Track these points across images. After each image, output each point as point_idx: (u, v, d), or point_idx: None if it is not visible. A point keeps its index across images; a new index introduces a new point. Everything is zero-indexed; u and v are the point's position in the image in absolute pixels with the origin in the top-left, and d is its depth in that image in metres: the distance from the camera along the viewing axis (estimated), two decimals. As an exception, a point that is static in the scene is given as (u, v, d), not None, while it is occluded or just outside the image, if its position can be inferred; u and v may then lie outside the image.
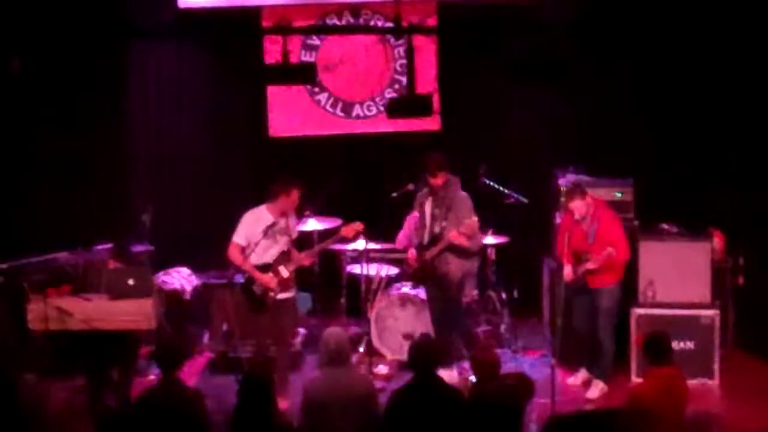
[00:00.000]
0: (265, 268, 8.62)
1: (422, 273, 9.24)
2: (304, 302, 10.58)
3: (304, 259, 8.81)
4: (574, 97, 11.00)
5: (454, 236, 8.88)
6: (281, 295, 8.67)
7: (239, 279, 8.94)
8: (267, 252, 8.61)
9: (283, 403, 8.27)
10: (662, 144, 10.86)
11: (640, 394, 7.08)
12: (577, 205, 8.86)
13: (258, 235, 8.53)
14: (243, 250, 8.58)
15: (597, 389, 8.99)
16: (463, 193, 9.15)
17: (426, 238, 9.15)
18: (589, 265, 8.78)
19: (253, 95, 11.23)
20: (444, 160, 9.03)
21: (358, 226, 8.94)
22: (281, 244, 8.65)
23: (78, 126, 10.91)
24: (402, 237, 9.78)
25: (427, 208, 9.17)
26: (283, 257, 8.66)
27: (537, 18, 10.75)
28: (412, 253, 9.30)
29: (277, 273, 8.62)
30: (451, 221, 8.96)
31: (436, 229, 9.06)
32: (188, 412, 6.70)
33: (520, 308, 10.39)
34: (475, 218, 8.92)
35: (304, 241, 9.77)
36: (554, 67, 10.40)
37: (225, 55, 11.24)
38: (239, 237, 8.61)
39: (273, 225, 8.55)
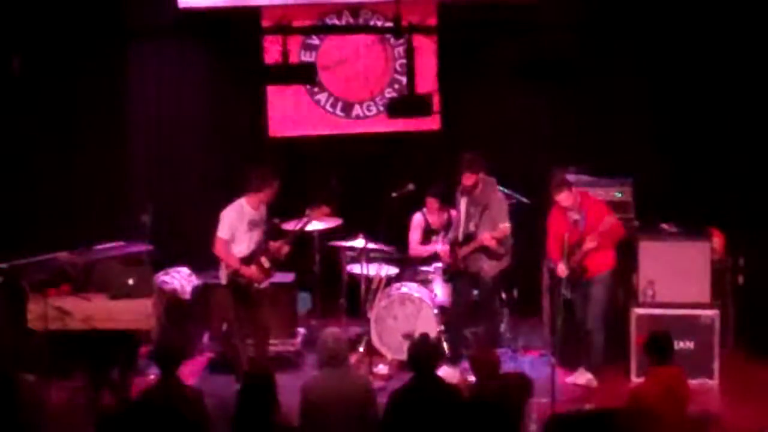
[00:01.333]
0: (245, 260, 8.74)
1: (455, 268, 9.37)
2: (304, 302, 10.59)
3: (281, 248, 8.89)
4: (574, 97, 10.99)
5: (486, 239, 9.00)
6: (261, 286, 8.86)
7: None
8: (247, 244, 8.74)
9: None
10: (662, 144, 10.85)
11: (642, 394, 7.07)
12: (564, 197, 8.95)
13: (242, 228, 8.68)
14: (227, 244, 8.71)
15: (583, 377, 9.05)
16: (500, 195, 9.29)
17: (461, 236, 9.27)
18: (589, 244, 8.82)
19: (253, 95, 11.22)
20: (474, 161, 9.11)
21: (324, 210, 9.18)
22: (258, 235, 8.79)
23: (78, 126, 10.91)
24: (414, 244, 9.85)
25: (463, 206, 9.27)
26: (262, 248, 8.80)
27: (537, 18, 10.74)
28: (445, 249, 9.43)
29: (259, 264, 8.76)
30: (485, 221, 9.08)
31: (471, 228, 9.18)
32: (188, 411, 6.69)
33: (521, 307, 10.39)
34: (508, 224, 9.00)
35: (304, 241, 9.79)
36: (554, 67, 10.39)
37: (225, 55, 11.24)
38: (223, 232, 8.70)
39: (254, 217, 8.72)
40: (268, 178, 8.76)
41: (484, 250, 9.13)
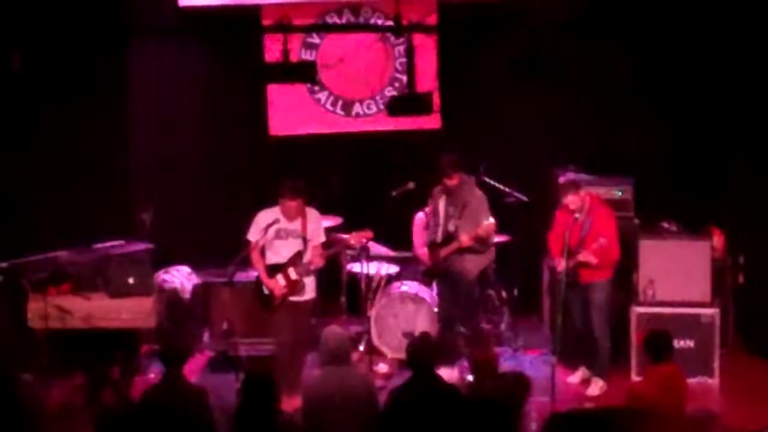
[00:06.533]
0: (276, 268, 8.58)
1: (436, 270, 9.37)
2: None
3: (311, 262, 8.63)
4: (574, 96, 10.99)
5: (465, 241, 9.00)
6: (295, 298, 8.60)
7: (240, 278, 8.95)
8: (279, 252, 8.58)
9: (295, 402, 8.24)
10: (662, 143, 10.85)
11: (640, 392, 7.09)
12: (571, 200, 8.89)
13: (270, 235, 8.51)
14: (255, 247, 8.55)
15: (597, 387, 9.00)
16: (480, 193, 9.28)
17: (440, 236, 9.24)
18: (581, 257, 8.74)
19: (253, 94, 11.22)
20: (458, 161, 9.16)
21: (367, 233, 8.96)
22: (293, 245, 8.57)
23: (78, 124, 10.91)
24: (418, 243, 9.83)
25: (441, 206, 9.26)
26: (295, 259, 8.58)
27: (537, 17, 10.74)
28: (424, 251, 9.41)
29: (286, 275, 8.58)
30: (466, 220, 9.07)
31: (450, 228, 9.17)
32: (192, 408, 6.70)
33: (520, 306, 10.39)
34: (492, 221, 9.00)
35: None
36: (554, 66, 10.40)
37: (225, 53, 11.24)
38: (250, 233, 8.58)
39: (274, 224, 8.49)
40: (283, 193, 8.46)
41: (466, 249, 9.11)
